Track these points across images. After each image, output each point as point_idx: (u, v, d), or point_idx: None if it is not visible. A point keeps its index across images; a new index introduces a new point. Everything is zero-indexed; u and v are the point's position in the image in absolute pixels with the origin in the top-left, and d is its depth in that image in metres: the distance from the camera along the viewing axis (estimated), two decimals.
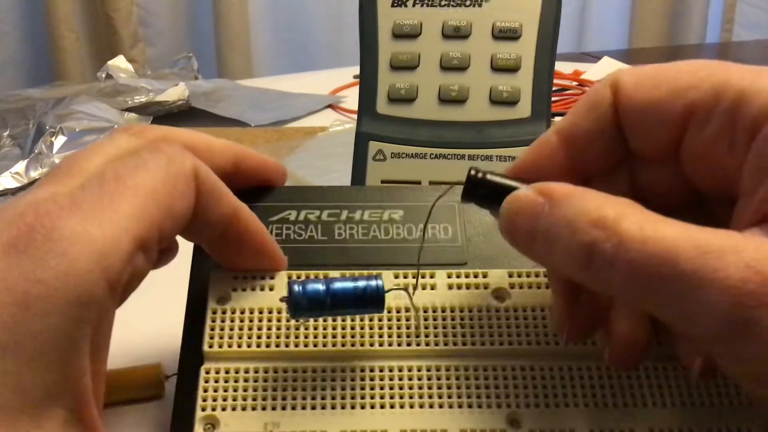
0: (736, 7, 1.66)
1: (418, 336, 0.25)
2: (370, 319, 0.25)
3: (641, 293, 0.19)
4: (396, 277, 0.26)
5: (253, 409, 0.23)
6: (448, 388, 0.24)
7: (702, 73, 0.21)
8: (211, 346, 0.24)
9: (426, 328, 0.25)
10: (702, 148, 0.21)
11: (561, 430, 0.23)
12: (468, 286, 0.26)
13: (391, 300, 0.25)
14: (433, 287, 0.26)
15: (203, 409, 0.23)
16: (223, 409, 0.23)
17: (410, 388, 0.24)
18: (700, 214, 0.23)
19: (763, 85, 0.20)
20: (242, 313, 0.25)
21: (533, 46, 0.36)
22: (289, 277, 0.25)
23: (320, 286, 0.23)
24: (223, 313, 0.25)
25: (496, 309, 0.25)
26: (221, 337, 0.24)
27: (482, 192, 0.23)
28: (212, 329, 0.24)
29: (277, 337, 0.24)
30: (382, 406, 0.23)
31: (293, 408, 0.23)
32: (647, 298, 0.19)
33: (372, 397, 0.24)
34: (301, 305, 0.23)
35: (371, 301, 0.23)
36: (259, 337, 0.24)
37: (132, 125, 0.24)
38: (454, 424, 0.23)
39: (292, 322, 0.25)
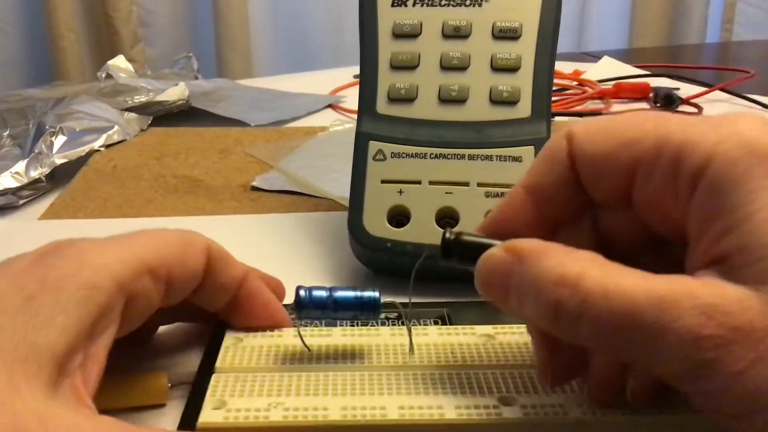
0: (736, 7, 1.66)
1: (412, 351, 0.27)
2: (369, 348, 0.27)
3: (607, 344, 0.21)
4: (392, 334, 0.28)
5: (259, 395, 0.25)
6: (442, 382, 0.25)
7: (647, 127, 0.22)
8: (223, 362, 0.27)
9: (420, 351, 0.27)
10: (650, 196, 0.22)
11: (551, 404, 0.24)
12: (457, 334, 0.28)
13: (388, 336, 0.28)
14: (425, 333, 0.28)
15: (213, 395, 0.25)
16: (231, 395, 0.25)
17: (407, 382, 0.25)
18: (660, 253, 0.24)
19: (699, 137, 0.21)
20: (253, 348, 0.28)
21: (533, 46, 0.36)
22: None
23: (324, 292, 0.27)
24: (236, 346, 0.28)
25: (483, 344, 0.28)
26: (233, 356, 0.27)
27: (457, 252, 0.24)
28: (226, 350, 0.28)
29: (284, 357, 0.27)
30: (381, 393, 0.25)
31: (297, 394, 0.25)
32: (613, 348, 0.21)
33: (371, 388, 0.25)
34: (306, 305, 0.27)
35: (367, 307, 0.27)
36: (267, 357, 0.27)
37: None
38: (449, 403, 0.24)
39: (299, 351, 0.27)
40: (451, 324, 0.30)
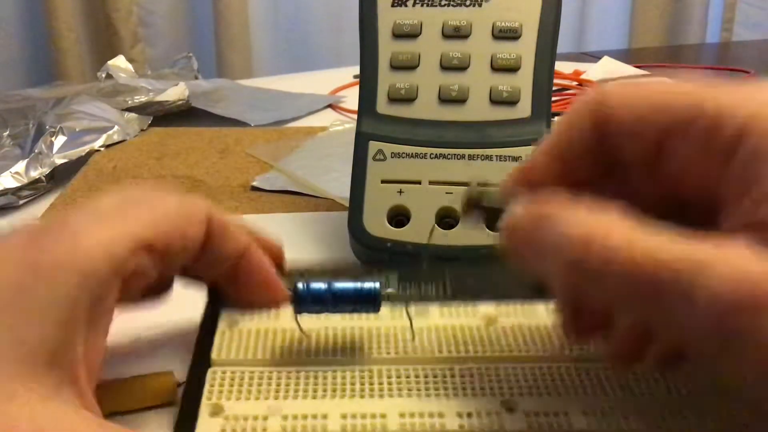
0: (736, 6, 1.66)
1: (414, 341, 0.27)
2: (369, 334, 0.27)
3: (631, 304, 0.20)
4: (392, 318, 0.28)
5: (257, 399, 0.24)
6: (444, 382, 0.25)
7: (681, 91, 0.22)
8: (219, 354, 0.26)
9: (421, 340, 0.27)
10: (681, 161, 0.22)
11: (555, 411, 0.24)
12: (459, 314, 0.28)
13: (388, 320, 0.28)
14: (425, 315, 0.28)
15: (209, 398, 0.24)
16: (228, 399, 0.24)
17: (407, 381, 0.25)
18: (683, 217, 0.23)
19: (737, 104, 0.21)
20: (249, 332, 0.27)
21: (533, 46, 0.36)
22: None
23: (323, 285, 0.26)
24: (231, 330, 0.27)
25: (485, 327, 0.27)
26: (229, 347, 0.26)
27: (480, 210, 0.24)
28: (221, 340, 0.27)
29: (281, 347, 0.26)
30: (381, 396, 0.24)
31: (295, 398, 0.24)
32: (637, 309, 0.20)
33: (371, 390, 0.25)
34: (304, 300, 0.26)
35: (367, 300, 0.26)
36: (264, 348, 0.26)
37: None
38: (450, 409, 0.24)
39: (296, 337, 0.27)
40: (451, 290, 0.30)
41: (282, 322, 0.28)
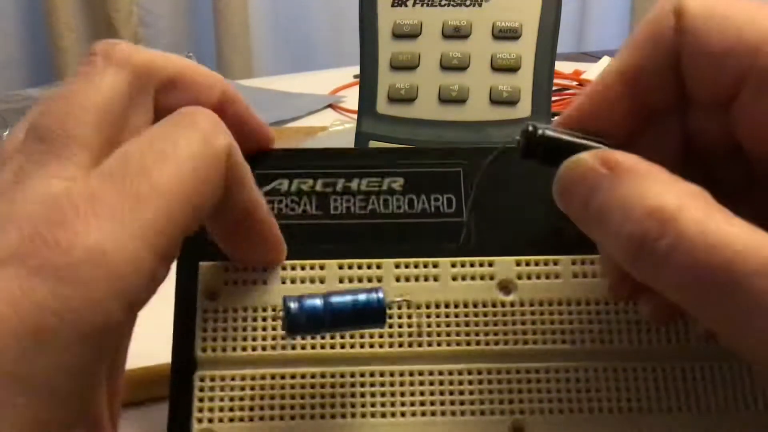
0: None
1: (420, 335, 0.24)
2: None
3: (690, 299, 0.17)
4: (397, 266, 0.24)
5: (251, 419, 0.23)
6: (450, 393, 0.23)
7: None
8: (204, 350, 0.23)
9: (429, 326, 0.24)
10: (754, 114, 0.20)
11: None
12: (473, 277, 0.24)
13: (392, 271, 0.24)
14: (436, 278, 0.24)
15: (199, 421, 0.23)
16: (220, 420, 0.23)
17: (411, 394, 0.23)
18: (741, 167, 0.21)
19: None
20: (235, 312, 0.24)
21: (533, 46, 0.36)
22: (284, 268, 0.24)
23: (318, 302, 0.21)
24: (215, 312, 0.24)
25: (501, 304, 0.24)
26: (214, 340, 0.23)
27: (541, 151, 0.21)
28: (204, 330, 0.23)
29: (273, 339, 0.23)
30: (383, 415, 0.23)
31: (291, 418, 0.23)
32: (696, 306, 0.18)
33: (372, 405, 0.23)
34: (298, 323, 0.21)
35: (372, 316, 0.22)
36: (254, 339, 0.23)
37: (107, 44, 0.21)
38: None
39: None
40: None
41: (272, 296, 0.24)
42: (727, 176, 0.21)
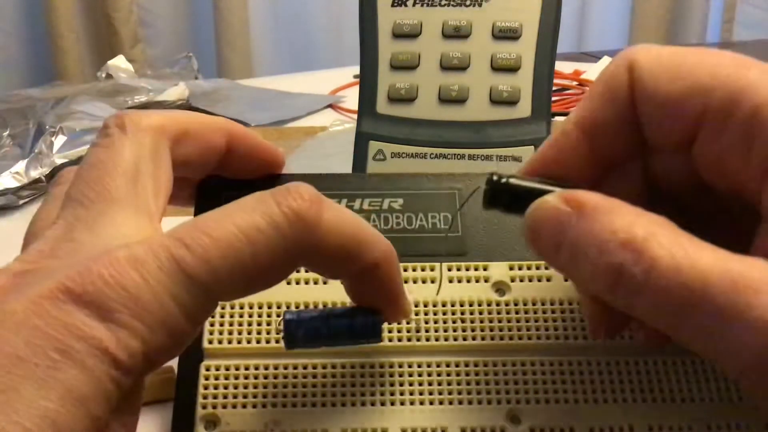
0: (737, 7, 1.66)
1: (418, 331, 0.25)
2: None
3: (668, 322, 0.18)
4: None
5: (254, 406, 0.23)
6: (448, 384, 0.24)
7: (723, 73, 0.20)
8: (210, 342, 0.24)
9: (426, 323, 0.25)
10: (716, 153, 0.20)
11: (561, 428, 0.23)
12: (468, 280, 0.26)
13: None
14: (433, 281, 0.26)
15: (204, 407, 0.23)
16: (224, 407, 0.23)
17: (410, 384, 0.24)
18: (709, 203, 0.22)
19: None
20: (241, 308, 0.25)
21: (533, 46, 0.36)
22: (288, 283, 0.25)
23: (316, 315, 0.22)
24: (222, 307, 0.25)
25: (496, 303, 0.25)
26: (221, 333, 0.25)
27: (506, 199, 0.21)
28: (212, 324, 0.25)
29: (277, 333, 0.25)
30: (382, 403, 0.24)
31: (293, 405, 0.23)
32: (674, 328, 0.18)
33: (372, 394, 0.24)
34: (296, 336, 0.22)
35: (369, 332, 0.23)
36: (259, 333, 0.25)
37: (117, 117, 0.22)
38: (454, 423, 0.23)
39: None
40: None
41: (275, 294, 0.24)
42: (697, 206, 0.22)
